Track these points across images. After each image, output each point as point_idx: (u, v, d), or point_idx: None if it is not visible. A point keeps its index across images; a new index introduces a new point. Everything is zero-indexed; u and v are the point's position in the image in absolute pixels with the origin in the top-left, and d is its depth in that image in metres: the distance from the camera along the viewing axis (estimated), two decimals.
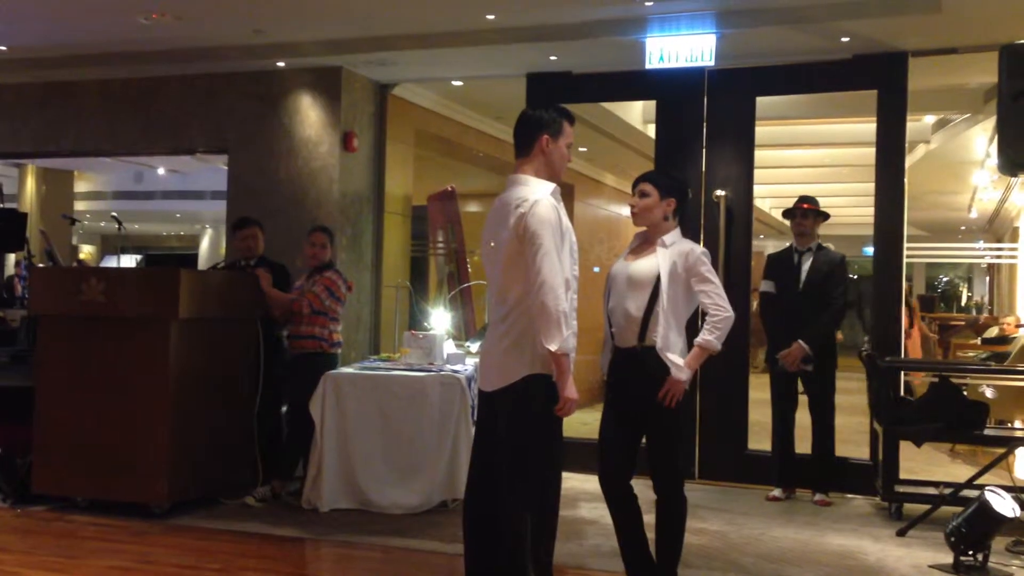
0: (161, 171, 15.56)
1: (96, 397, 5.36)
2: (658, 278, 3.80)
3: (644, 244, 3.98)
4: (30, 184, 12.97)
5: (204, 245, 21.88)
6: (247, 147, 7.58)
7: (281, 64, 7.30)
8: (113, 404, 5.32)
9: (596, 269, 11.03)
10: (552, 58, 6.86)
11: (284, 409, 6.07)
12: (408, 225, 8.32)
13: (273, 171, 7.45)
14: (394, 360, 6.15)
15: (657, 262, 3.84)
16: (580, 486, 6.30)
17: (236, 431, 5.78)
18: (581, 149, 10.13)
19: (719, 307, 3.83)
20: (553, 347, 3.24)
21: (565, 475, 6.56)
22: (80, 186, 14.99)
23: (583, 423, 9.20)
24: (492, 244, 3.48)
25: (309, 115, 7.40)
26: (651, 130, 7.66)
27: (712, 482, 6.53)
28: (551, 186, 3.45)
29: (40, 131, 8.27)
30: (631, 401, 3.93)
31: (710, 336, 3.83)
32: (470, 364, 6.17)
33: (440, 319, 6.77)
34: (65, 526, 5.12)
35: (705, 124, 6.78)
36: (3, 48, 7.30)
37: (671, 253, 3.85)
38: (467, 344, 6.76)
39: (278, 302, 5.88)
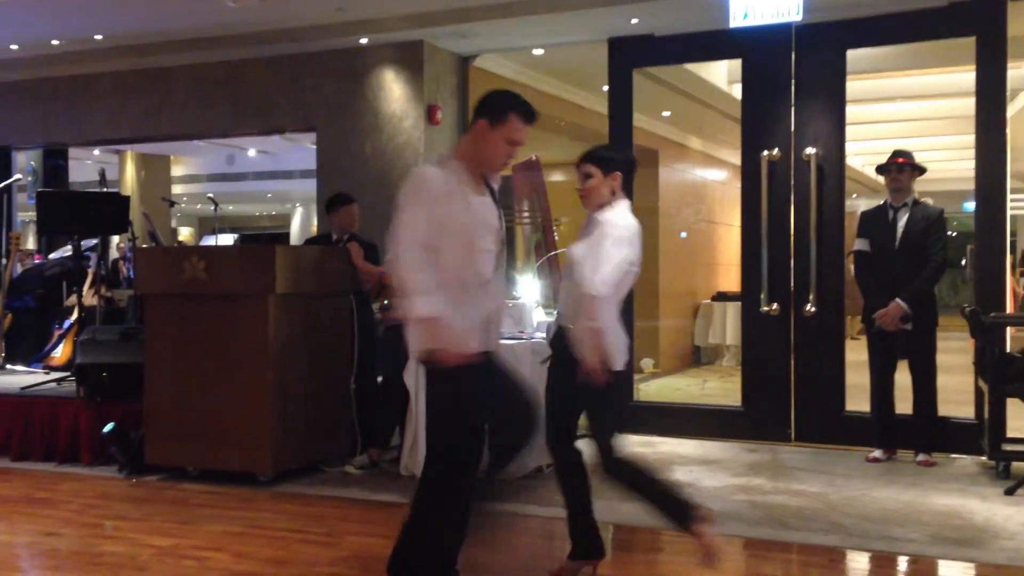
0: (252, 152, 15.95)
1: (201, 371, 5.56)
2: None
3: (592, 224, 3.82)
4: (130, 169, 13.44)
5: (295, 224, 22.36)
6: (334, 125, 7.71)
7: (364, 41, 7.40)
8: (217, 378, 5.52)
9: (683, 235, 10.93)
10: (633, 21, 6.78)
11: (380, 379, 6.20)
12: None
13: (359, 147, 7.58)
14: None
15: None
16: (673, 449, 6.30)
17: (334, 401, 5.93)
18: (665, 113, 10.01)
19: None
20: (412, 315, 3.21)
21: (657, 439, 6.60)
22: (176, 170, 15.47)
23: (676, 388, 9.18)
24: None
25: (393, 90, 7.49)
26: (737, 90, 7.53)
27: (809, 444, 6.44)
28: (441, 165, 3.41)
29: (137, 117, 8.56)
30: (567, 377, 3.72)
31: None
32: None
33: (529, 288, 6.81)
34: (178, 494, 5.35)
35: (793, 81, 6.62)
36: (99, 37, 7.56)
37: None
38: (556, 312, 6.78)
39: (369, 275, 6.00)
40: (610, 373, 3.55)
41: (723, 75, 8.81)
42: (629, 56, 7.12)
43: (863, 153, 13.35)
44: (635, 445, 6.46)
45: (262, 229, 24.50)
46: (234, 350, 5.51)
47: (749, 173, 6.76)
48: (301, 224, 21.80)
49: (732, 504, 4.93)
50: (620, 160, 3.82)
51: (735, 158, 7.10)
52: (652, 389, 8.21)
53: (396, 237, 3.27)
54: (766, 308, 6.57)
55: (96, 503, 5.18)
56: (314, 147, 8.01)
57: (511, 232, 9.36)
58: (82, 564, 4.08)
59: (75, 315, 7.14)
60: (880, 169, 6.15)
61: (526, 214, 9.00)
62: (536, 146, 9.89)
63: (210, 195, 8.22)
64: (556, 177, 10.82)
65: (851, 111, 6.70)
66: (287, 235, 21.46)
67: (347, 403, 5.97)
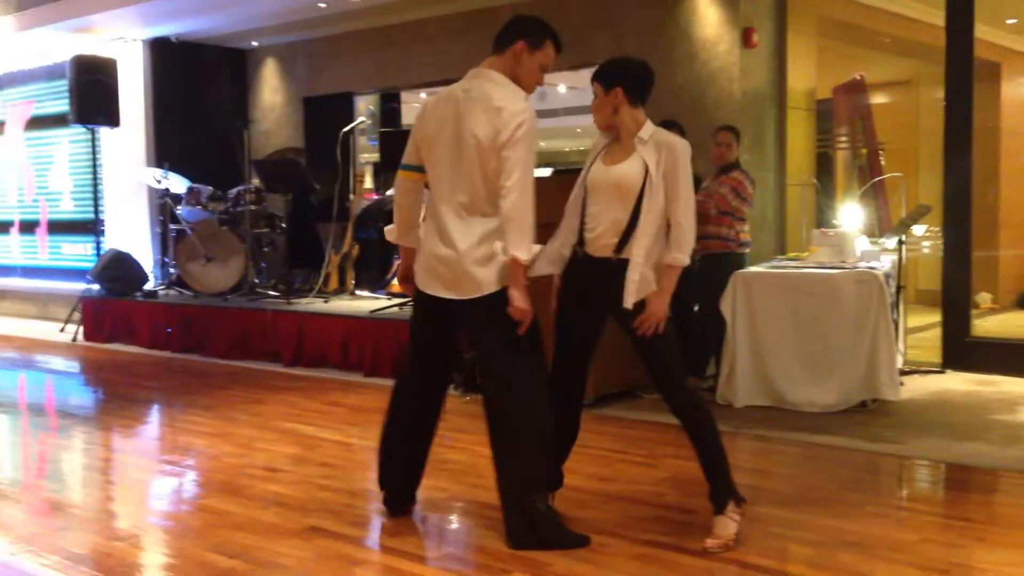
0: (562, 88, 16.32)
1: None
2: (643, 184, 3.35)
3: (614, 142, 3.52)
4: None
5: None
6: (646, 55, 7.51)
7: None
8: None
9: None
10: None
11: (696, 308, 6.22)
12: (812, 120, 7.99)
13: (671, 76, 7.51)
14: (802, 259, 6.03)
15: (639, 163, 3.37)
16: (1018, 389, 5.81)
17: None
18: (1010, 21, 8.97)
19: (688, 217, 3.35)
20: (524, 256, 3.23)
21: (998, 378, 6.11)
22: None
23: (1019, 324, 8.38)
24: (435, 138, 3.44)
25: (707, 15, 7.33)
26: None
27: None
28: (523, 92, 3.34)
29: (461, 59, 8.95)
30: (590, 304, 3.60)
31: (681, 253, 3.38)
32: (886, 260, 5.89)
33: (850, 215, 6.51)
34: None
35: None
36: None
37: (651, 149, 3.36)
38: (882, 240, 6.43)
39: None
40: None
41: None
42: None
43: None
44: (973, 384, 6.03)
45: (573, 164, 25.06)
46: (546, 279, 5.74)
47: None
48: None
49: None
50: (621, 73, 3.47)
51: None
52: (991, 325, 7.56)
53: None
54: None
55: None
56: None
57: (828, 158, 8.93)
58: (430, 469, 4.48)
59: None
60: None
61: (845, 138, 8.55)
62: (860, 64, 9.30)
63: None
64: (880, 99, 10.13)
65: None
66: None
67: None
